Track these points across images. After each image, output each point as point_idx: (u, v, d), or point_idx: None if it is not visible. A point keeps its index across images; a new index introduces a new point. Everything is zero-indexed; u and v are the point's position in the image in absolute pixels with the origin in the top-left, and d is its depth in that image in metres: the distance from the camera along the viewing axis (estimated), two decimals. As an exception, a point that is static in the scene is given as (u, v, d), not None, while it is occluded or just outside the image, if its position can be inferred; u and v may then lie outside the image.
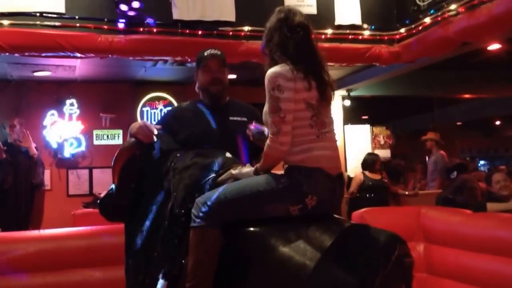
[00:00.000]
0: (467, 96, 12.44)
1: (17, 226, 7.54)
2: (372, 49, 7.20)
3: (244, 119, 3.46)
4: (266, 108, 2.73)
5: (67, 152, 9.46)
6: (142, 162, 3.24)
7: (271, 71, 2.69)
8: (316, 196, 2.63)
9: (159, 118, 9.60)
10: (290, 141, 2.65)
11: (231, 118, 3.50)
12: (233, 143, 3.32)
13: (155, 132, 3.31)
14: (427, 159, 11.37)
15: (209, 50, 3.58)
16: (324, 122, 2.73)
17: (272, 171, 2.78)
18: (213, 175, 2.93)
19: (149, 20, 6.39)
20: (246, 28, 6.68)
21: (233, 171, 2.88)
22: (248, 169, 2.86)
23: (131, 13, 6.25)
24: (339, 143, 9.83)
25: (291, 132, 2.65)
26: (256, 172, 2.79)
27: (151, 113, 9.87)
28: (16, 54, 6.41)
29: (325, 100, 2.74)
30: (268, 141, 2.70)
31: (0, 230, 6.44)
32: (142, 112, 9.85)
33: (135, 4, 6.17)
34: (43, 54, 6.43)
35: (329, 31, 7.10)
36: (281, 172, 2.73)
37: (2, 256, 4.55)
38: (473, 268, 4.51)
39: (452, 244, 4.81)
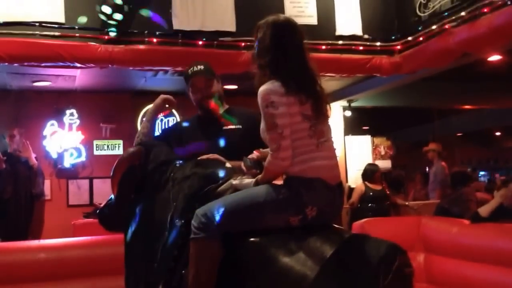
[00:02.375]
0: (467, 107, 12.46)
1: (17, 236, 7.52)
2: (373, 60, 7.21)
3: (239, 126, 3.48)
4: (262, 125, 2.72)
5: (67, 162, 9.45)
6: (142, 172, 3.24)
7: (263, 88, 2.67)
8: (316, 206, 2.62)
9: (159, 129, 9.70)
10: (291, 155, 2.63)
11: (224, 127, 3.51)
12: (225, 152, 3.32)
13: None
14: (427, 169, 11.38)
15: (193, 67, 3.60)
16: (323, 131, 2.72)
17: (272, 182, 2.78)
18: (213, 185, 2.92)
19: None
20: (247, 39, 6.68)
21: (234, 182, 2.87)
22: (248, 180, 2.85)
23: (117, 16, 6.27)
24: (340, 153, 9.84)
25: (290, 146, 2.63)
26: (257, 184, 2.78)
27: (151, 123, 9.84)
28: (16, 64, 6.42)
29: (321, 115, 2.73)
30: (269, 157, 2.68)
31: (0, 240, 6.43)
32: (142, 121, 9.81)
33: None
34: (43, 64, 6.44)
35: (330, 42, 7.12)
36: (281, 182, 2.72)
37: (1, 266, 4.54)
38: (472, 278, 4.52)
39: (452, 254, 4.81)
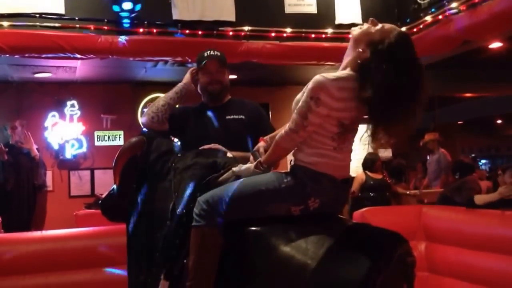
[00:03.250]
0: (468, 95, 12.44)
1: (19, 227, 7.54)
2: (373, 48, 7.17)
3: (242, 117, 3.50)
4: (299, 97, 2.64)
5: (69, 153, 9.48)
6: (143, 162, 3.25)
7: (319, 79, 2.51)
8: (319, 199, 2.61)
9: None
10: (299, 142, 2.62)
11: (227, 117, 3.53)
12: (228, 142, 3.32)
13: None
14: (428, 158, 11.35)
15: (209, 51, 3.60)
16: (347, 139, 2.66)
17: (275, 170, 2.78)
18: (214, 174, 2.93)
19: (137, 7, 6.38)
20: (246, 28, 6.68)
21: (234, 169, 2.87)
22: (247, 164, 2.85)
23: (124, 14, 6.26)
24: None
25: (305, 137, 2.60)
26: (258, 166, 2.77)
27: (152, 113, 9.83)
28: (17, 56, 6.42)
29: (356, 129, 2.67)
30: (283, 132, 2.65)
31: (3, 231, 6.44)
32: (143, 113, 9.83)
33: (126, 6, 6.18)
34: (43, 56, 6.44)
35: (330, 31, 7.11)
36: (286, 170, 2.71)
37: (5, 257, 4.56)
38: (474, 266, 4.52)
39: (453, 242, 4.81)
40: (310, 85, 2.54)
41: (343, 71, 2.62)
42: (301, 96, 2.62)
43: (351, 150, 2.75)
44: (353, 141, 2.74)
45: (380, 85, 2.45)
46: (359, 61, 2.57)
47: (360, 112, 2.58)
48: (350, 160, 2.77)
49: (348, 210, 8.27)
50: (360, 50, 2.58)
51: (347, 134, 2.63)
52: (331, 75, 2.54)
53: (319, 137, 2.60)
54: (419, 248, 5.03)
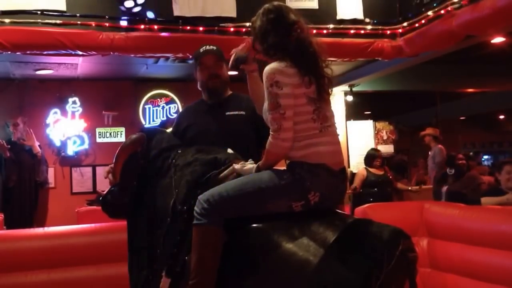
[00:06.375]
0: (470, 90, 12.40)
1: (21, 224, 7.57)
2: (374, 44, 7.17)
3: (242, 112, 3.49)
4: (265, 105, 2.71)
5: (71, 150, 9.49)
6: (144, 159, 3.24)
7: (268, 67, 2.67)
8: (319, 192, 2.61)
9: (161, 116, 9.73)
10: (292, 137, 2.64)
11: (227, 113, 3.52)
12: (229, 138, 3.32)
13: None
14: (429, 154, 11.37)
15: (204, 47, 3.61)
16: (326, 116, 2.71)
17: (274, 167, 2.77)
18: (215, 171, 2.92)
19: (149, 15, 6.39)
20: (248, 24, 6.65)
21: (236, 166, 2.87)
22: (250, 165, 2.85)
23: (136, 9, 6.26)
24: (342, 138, 9.82)
25: (292, 128, 2.63)
26: (258, 170, 2.78)
27: (153, 110, 9.87)
28: (18, 53, 6.42)
29: (325, 95, 2.72)
30: (270, 138, 2.68)
31: (5, 228, 6.45)
32: (144, 109, 9.85)
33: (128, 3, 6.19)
34: (45, 52, 6.43)
35: (331, 26, 7.09)
36: (284, 167, 2.71)
37: (7, 253, 4.56)
38: (476, 262, 4.49)
39: (455, 238, 4.79)
40: (264, 78, 2.66)
41: None
42: (266, 102, 2.70)
43: (336, 132, 2.80)
44: (334, 121, 2.78)
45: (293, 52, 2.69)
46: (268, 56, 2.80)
47: (315, 82, 2.67)
48: (339, 145, 2.81)
49: (350, 206, 8.29)
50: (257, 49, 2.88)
51: (322, 110, 2.69)
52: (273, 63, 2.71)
53: (303, 125, 2.65)
54: (421, 244, 5.02)
